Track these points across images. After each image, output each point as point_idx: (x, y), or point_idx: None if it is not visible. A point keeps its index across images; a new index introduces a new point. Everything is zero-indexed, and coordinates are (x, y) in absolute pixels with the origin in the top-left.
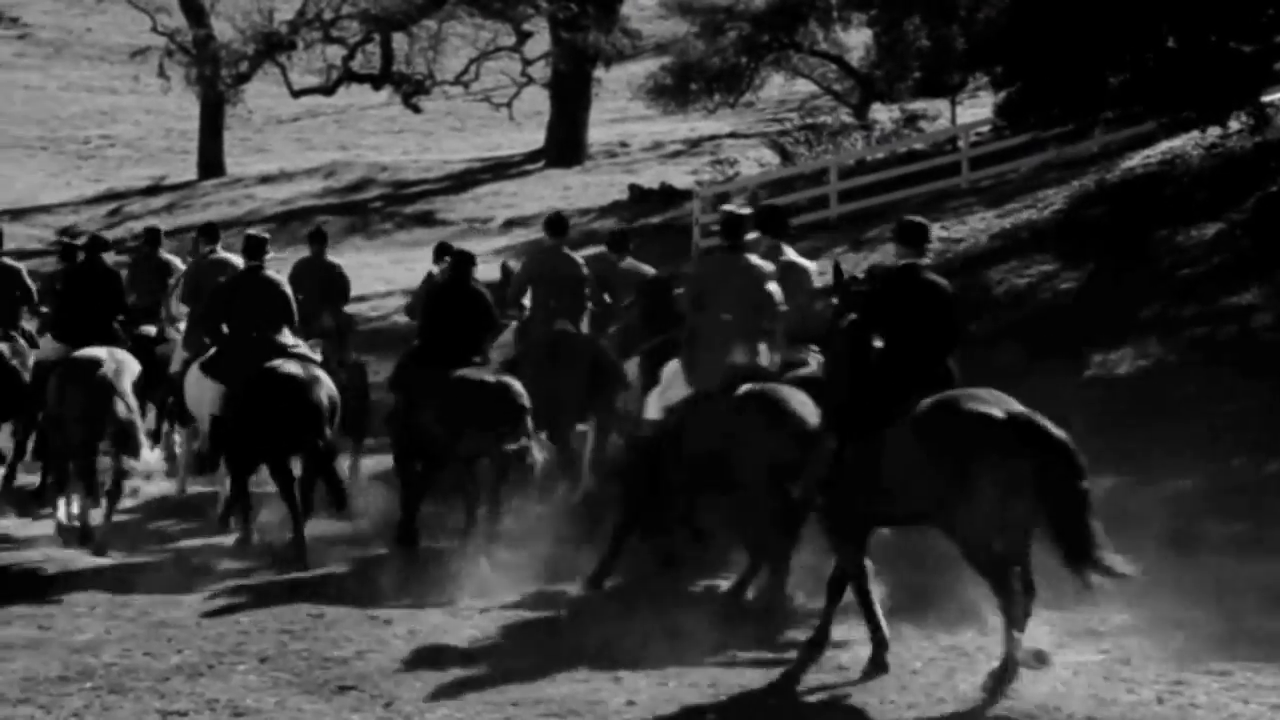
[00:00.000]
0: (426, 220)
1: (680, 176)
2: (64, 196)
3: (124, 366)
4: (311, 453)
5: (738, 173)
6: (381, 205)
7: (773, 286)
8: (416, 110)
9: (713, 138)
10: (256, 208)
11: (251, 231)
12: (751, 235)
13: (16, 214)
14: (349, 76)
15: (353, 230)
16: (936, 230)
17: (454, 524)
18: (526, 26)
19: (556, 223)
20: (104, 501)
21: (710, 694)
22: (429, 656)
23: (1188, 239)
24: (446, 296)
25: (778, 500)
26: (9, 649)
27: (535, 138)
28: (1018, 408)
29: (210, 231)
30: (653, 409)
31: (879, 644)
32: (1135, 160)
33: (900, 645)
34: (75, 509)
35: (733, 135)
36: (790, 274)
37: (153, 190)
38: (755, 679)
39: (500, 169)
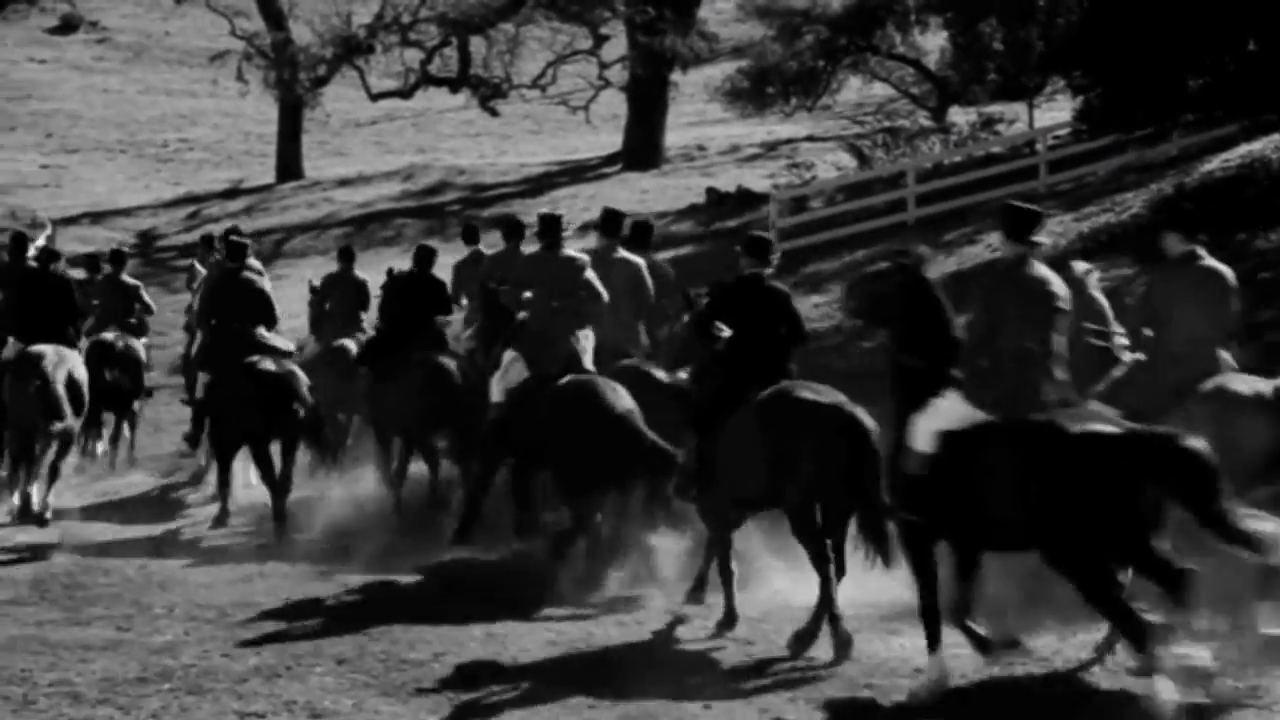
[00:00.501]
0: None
1: (757, 180)
2: (143, 200)
3: (64, 360)
4: (288, 439)
5: (814, 176)
6: (459, 208)
7: (590, 275)
8: (494, 113)
9: (789, 141)
10: (334, 211)
11: (233, 237)
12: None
13: (96, 217)
14: (427, 80)
15: (430, 233)
16: None
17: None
18: (604, 30)
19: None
20: (44, 483)
21: (787, 698)
22: (506, 659)
23: (1267, 242)
24: (409, 286)
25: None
26: (88, 650)
27: (612, 141)
28: (839, 398)
29: (216, 242)
30: (495, 393)
31: (730, 612)
32: (1214, 163)
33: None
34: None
35: (810, 139)
36: (620, 269)
37: (231, 194)
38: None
39: (577, 172)
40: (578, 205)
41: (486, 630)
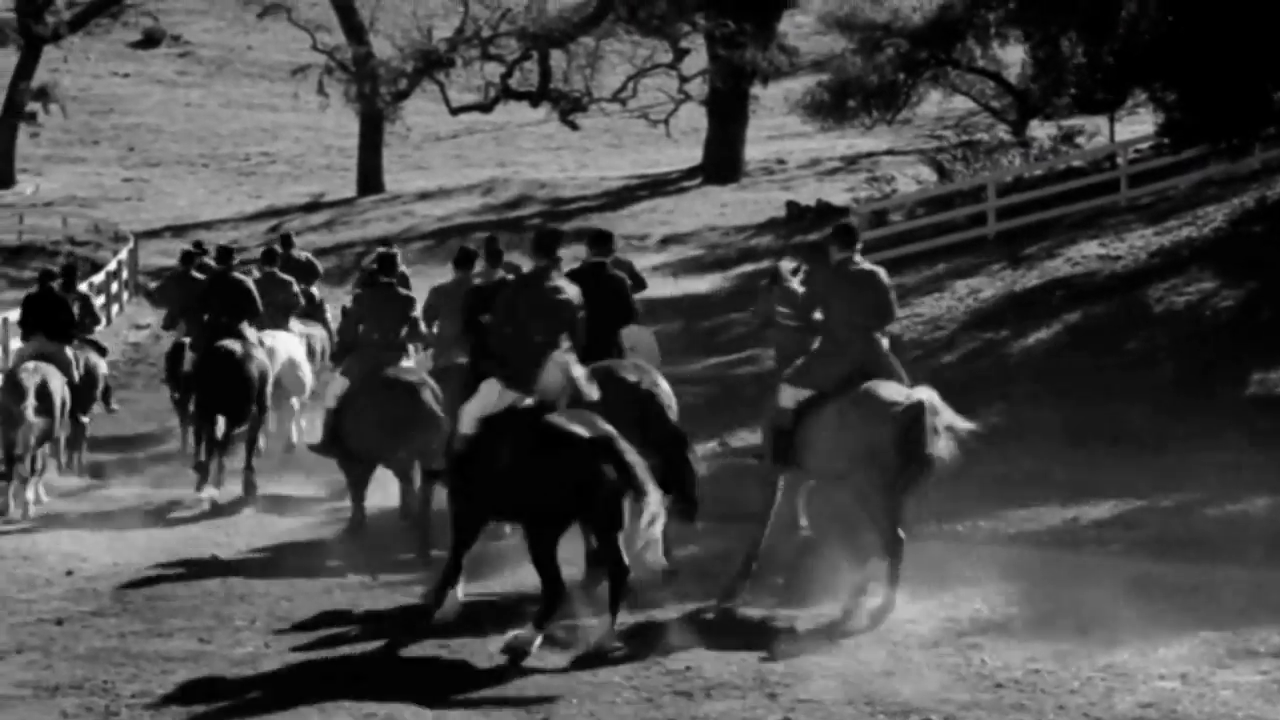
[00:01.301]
0: (584, 237)
1: (837, 194)
2: (225, 213)
3: (45, 374)
4: (238, 415)
5: (895, 190)
6: (539, 222)
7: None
8: (574, 127)
9: (870, 154)
10: (414, 224)
11: (222, 243)
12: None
13: (178, 230)
14: (507, 93)
15: (510, 247)
16: (1094, 247)
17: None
18: (684, 44)
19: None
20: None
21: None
22: (588, 673)
23: None
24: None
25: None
26: (169, 661)
27: (692, 154)
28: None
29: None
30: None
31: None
32: None
33: (1058, 664)
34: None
35: (890, 152)
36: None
37: (312, 207)
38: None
39: (657, 186)
40: (657, 219)
41: (564, 642)
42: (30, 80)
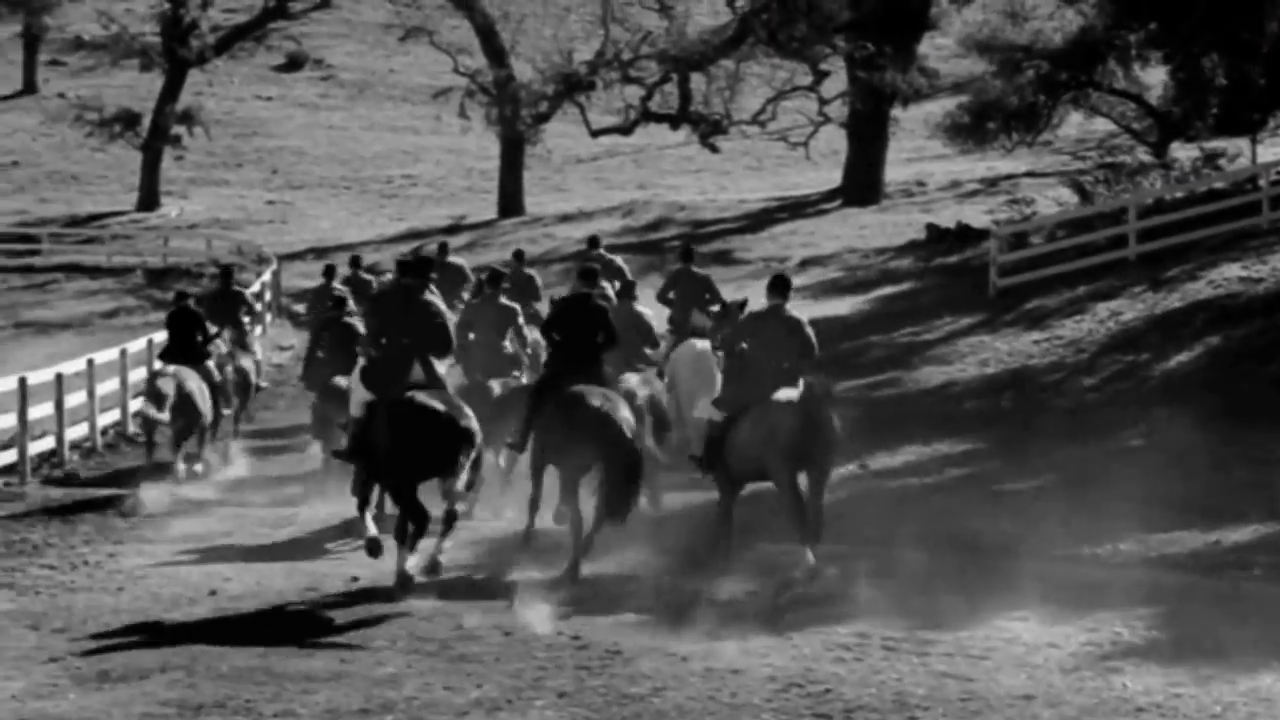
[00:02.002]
0: (724, 259)
1: (977, 215)
2: (367, 235)
3: (181, 378)
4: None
5: (1035, 212)
6: (678, 245)
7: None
8: (714, 149)
9: (1010, 176)
10: (555, 246)
11: (225, 261)
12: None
13: (320, 252)
14: (647, 116)
15: (650, 269)
16: (1236, 269)
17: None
18: (823, 66)
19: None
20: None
21: None
22: (725, 696)
23: None
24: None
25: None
26: (311, 681)
27: (832, 177)
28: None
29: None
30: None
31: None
32: None
33: (1200, 689)
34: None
35: (1030, 174)
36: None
37: (453, 229)
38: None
39: (797, 208)
40: (797, 241)
41: (706, 664)
42: (175, 104)
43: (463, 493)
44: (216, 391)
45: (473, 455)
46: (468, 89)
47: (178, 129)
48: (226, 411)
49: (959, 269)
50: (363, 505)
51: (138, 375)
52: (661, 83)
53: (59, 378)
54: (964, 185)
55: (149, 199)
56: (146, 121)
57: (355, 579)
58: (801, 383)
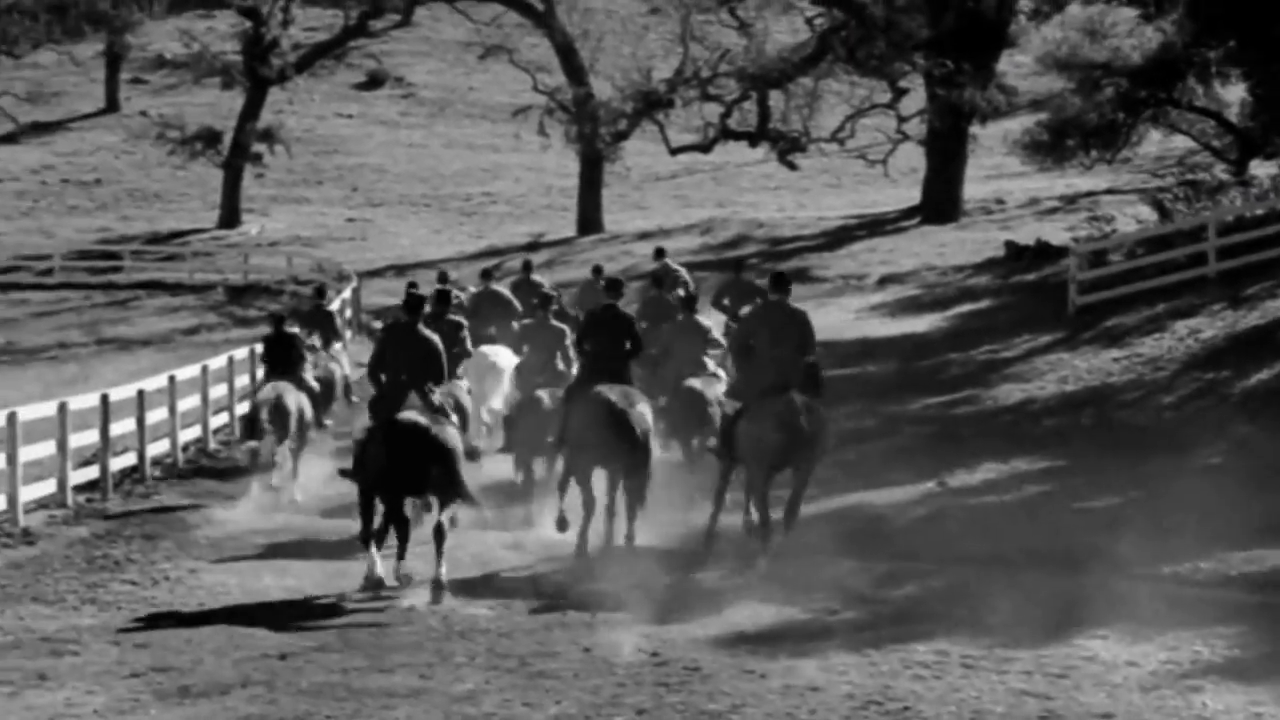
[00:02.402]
0: (802, 277)
1: (1056, 233)
2: (446, 252)
3: (280, 391)
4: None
5: (1114, 229)
6: (757, 261)
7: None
8: (792, 167)
9: (1089, 194)
10: (634, 264)
11: (317, 280)
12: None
13: (401, 269)
14: (726, 134)
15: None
16: None
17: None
18: (902, 84)
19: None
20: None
21: None
22: (804, 713)
23: None
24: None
25: None
26: (391, 697)
27: (911, 194)
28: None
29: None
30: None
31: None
32: None
33: None
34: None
35: (1109, 191)
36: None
37: (532, 246)
38: None
39: (876, 225)
40: (875, 258)
41: (784, 682)
42: (256, 122)
43: (453, 506)
44: (315, 402)
45: (455, 468)
46: (547, 107)
47: (259, 147)
48: (328, 423)
49: (1038, 286)
50: (367, 527)
51: (219, 391)
52: (740, 100)
53: (141, 394)
54: (1043, 203)
55: (230, 216)
56: (228, 139)
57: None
58: (791, 395)
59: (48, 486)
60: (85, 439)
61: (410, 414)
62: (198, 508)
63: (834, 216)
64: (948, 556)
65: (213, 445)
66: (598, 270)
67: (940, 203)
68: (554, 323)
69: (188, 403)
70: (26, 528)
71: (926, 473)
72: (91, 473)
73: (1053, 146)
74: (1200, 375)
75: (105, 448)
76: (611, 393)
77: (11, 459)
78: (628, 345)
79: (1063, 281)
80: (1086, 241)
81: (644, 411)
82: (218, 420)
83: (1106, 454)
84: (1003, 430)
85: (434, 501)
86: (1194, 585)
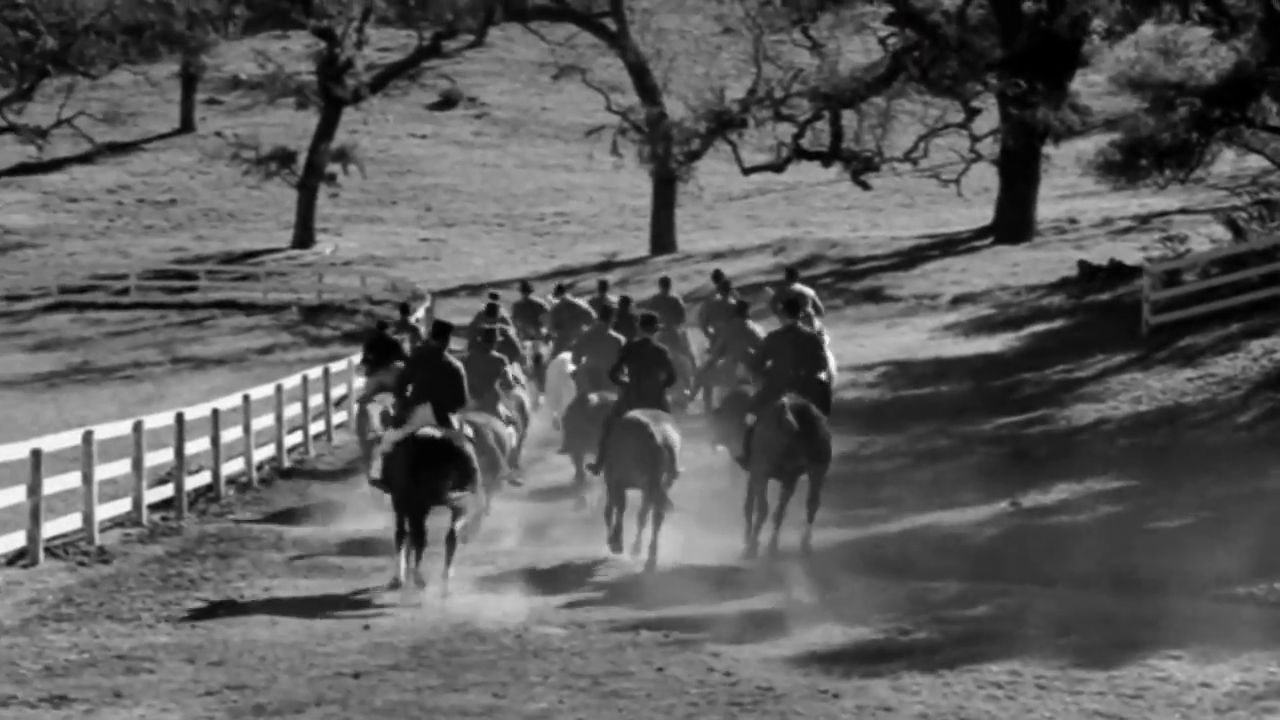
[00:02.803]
0: (875, 296)
1: (1129, 253)
2: (519, 272)
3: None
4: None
5: (1188, 249)
6: (831, 281)
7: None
8: (865, 186)
9: (1162, 214)
10: (707, 284)
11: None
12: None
13: (474, 289)
14: (799, 153)
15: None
16: None
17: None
18: (975, 103)
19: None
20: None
21: None
22: None
23: None
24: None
25: None
26: (464, 716)
27: (984, 214)
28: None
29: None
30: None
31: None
32: None
33: None
34: None
35: (1183, 211)
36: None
37: (605, 266)
38: None
39: (949, 245)
40: (949, 278)
41: (857, 702)
42: (330, 142)
43: (466, 516)
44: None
45: (471, 468)
46: (620, 127)
47: (333, 167)
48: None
49: (1111, 306)
50: (399, 531)
51: (293, 410)
52: (813, 120)
53: (215, 413)
54: (1116, 222)
55: (304, 236)
56: (302, 159)
57: (507, 615)
58: (794, 405)
59: (123, 505)
60: (160, 458)
61: (428, 429)
62: (272, 526)
63: (907, 236)
64: (1021, 576)
65: (286, 463)
66: (665, 282)
67: (1013, 222)
68: (611, 332)
69: (262, 421)
70: (102, 546)
71: (1000, 493)
72: (166, 491)
73: (1126, 166)
74: (1274, 395)
75: (180, 466)
76: (641, 415)
77: (87, 477)
78: (662, 376)
79: (1136, 301)
80: (1160, 261)
81: (669, 431)
82: (292, 439)
83: (1180, 474)
84: (1076, 450)
85: (451, 509)
86: (1269, 606)
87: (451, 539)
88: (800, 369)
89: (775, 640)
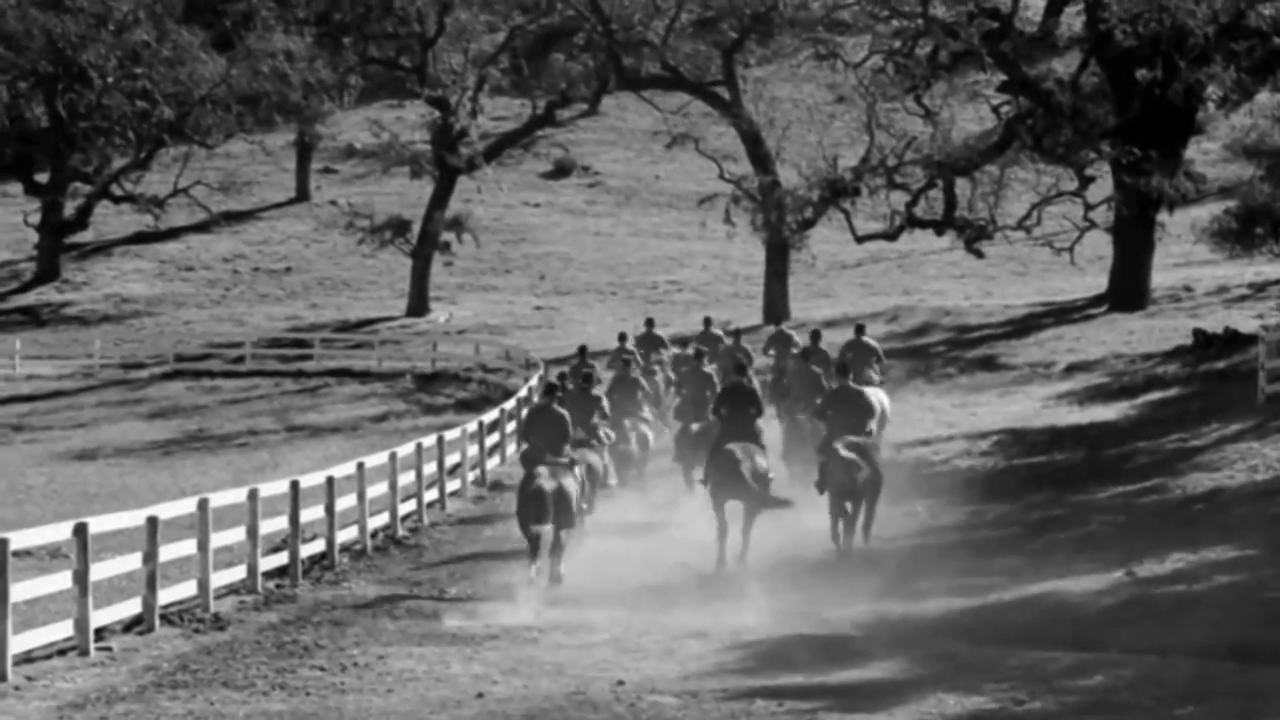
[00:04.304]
0: (988, 364)
1: (1245, 321)
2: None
3: (560, 479)
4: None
5: None
6: (944, 349)
7: (565, 423)
8: (979, 255)
9: (1278, 281)
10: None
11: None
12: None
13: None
14: (912, 222)
15: (915, 374)
16: None
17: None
18: (1089, 171)
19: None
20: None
21: None
22: None
23: None
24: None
25: None
26: None
27: (1097, 282)
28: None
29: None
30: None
31: None
32: None
33: None
34: None
35: None
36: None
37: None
38: None
39: (1062, 313)
40: (1063, 346)
41: None
42: (444, 210)
43: (563, 536)
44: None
45: (562, 509)
46: (733, 195)
47: (447, 235)
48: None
49: (1227, 374)
50: (533, 549)
51: (407, 478)
52: (927, 188)
53: (330, 481)
54: (1231, 290)
55: (418, 304)
56: (416, 228)
57: (621, 683)
58: (851, 448)
59: (238, 572)
60: (275, 525)
61: (542, 473)
62: (385, 594)
63: (1020, 304)
64: (1136, 646)
65: (401, 532)
66: (708, 321)
67: (1128, 290)
68: (704, 369)
69: (376, 489)
70: (217, 613)
71: (1115, 562)
72: (281, 558)
73: (1241, 234)
74: None
75: (295, 534)
76: (736, 448)
77: (203, 545)
78: (752, 411)
79: (1252, 369)
80: (1276, 329)
81: (760, 461)
82: (406, 507)
83: None
84: (1192, 520)
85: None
86: None
87: (558, 543)
88: (852, 419)
89: (890, 709)
